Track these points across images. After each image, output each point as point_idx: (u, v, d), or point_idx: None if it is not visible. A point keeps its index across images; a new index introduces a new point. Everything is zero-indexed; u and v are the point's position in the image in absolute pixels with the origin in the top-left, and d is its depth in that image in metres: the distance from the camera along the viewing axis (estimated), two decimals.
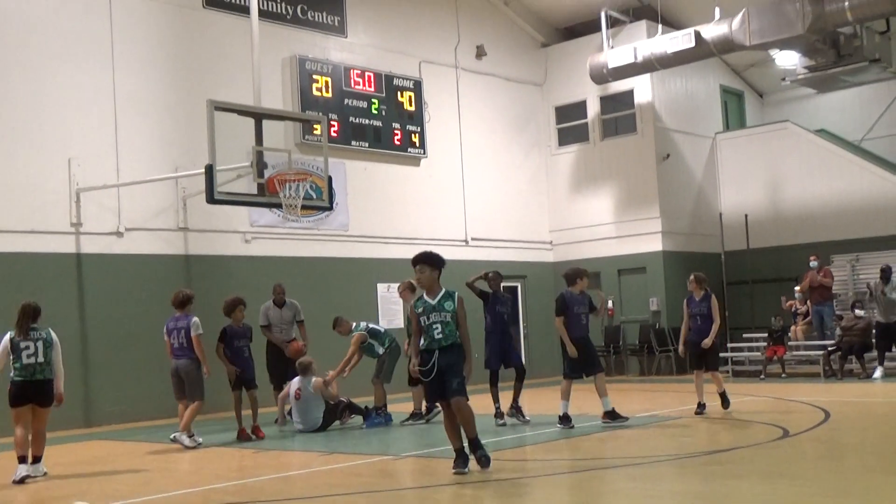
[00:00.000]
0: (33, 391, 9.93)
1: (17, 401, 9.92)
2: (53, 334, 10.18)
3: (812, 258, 20.56)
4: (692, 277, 13.43)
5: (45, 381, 9.99)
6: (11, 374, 9.99)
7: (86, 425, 15.75)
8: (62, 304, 15.52)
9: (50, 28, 16.22)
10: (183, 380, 12.12)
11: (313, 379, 13.38)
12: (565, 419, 12.10)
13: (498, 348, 13.09)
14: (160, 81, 17.60)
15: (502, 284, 13.87)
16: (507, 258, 23.28)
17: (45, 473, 9.99)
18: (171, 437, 12.08)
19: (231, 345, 12.79)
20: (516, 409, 13.00)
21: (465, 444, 8.82)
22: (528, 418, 12.94)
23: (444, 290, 8.87)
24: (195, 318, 12.12)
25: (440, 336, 8.68)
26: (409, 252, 20.59)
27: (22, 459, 9.82)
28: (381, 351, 14.06)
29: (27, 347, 9.93)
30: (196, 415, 12.14)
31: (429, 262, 8.94)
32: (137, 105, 17.19)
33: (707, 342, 13.03)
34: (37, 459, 9.97)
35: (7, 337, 10.06)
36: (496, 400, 12.92)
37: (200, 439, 12.13)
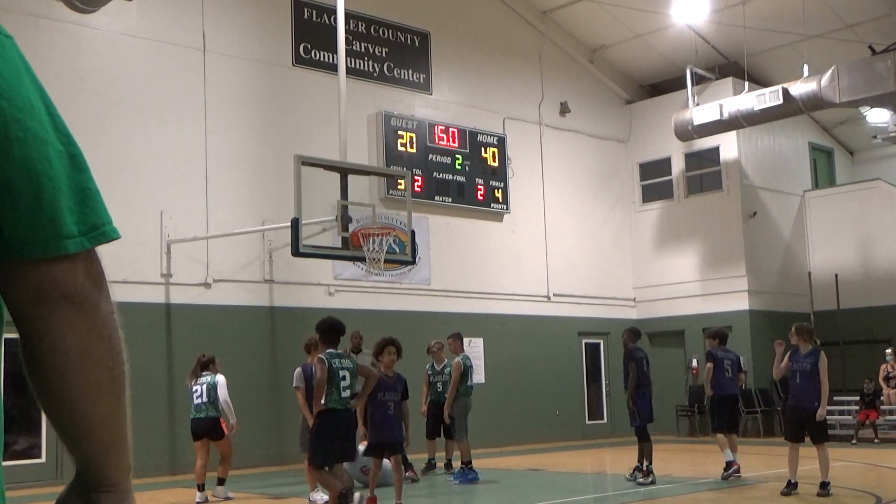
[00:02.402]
0: (203, 428, 11.76)
1: (193, 436, 11.95)
2: (220, 377, 11.88)
3: None
4: (793, 329, 12.01)
5: (208, 418, 11.77)
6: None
7: (170, 472, 15.98)
8: (151, 353, 15.86)
9: (146, 87, 16.80)
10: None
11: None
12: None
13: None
14: (250, 137, 18.06)
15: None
16: (589, 315, 23.11)
17: (229, 497, 11.90)
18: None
19: (374, 398, 9.93)
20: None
21: None
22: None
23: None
24: (297, 370, 11.69)
25: None
26: (491, 307, 20.89)
27: (200, 487, 11.62)
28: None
29: (195, 391, 11.77)
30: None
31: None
32: (227, 160, 17.65)
33: (821, 413, 11.39)
34: (221, 482, 11.98)
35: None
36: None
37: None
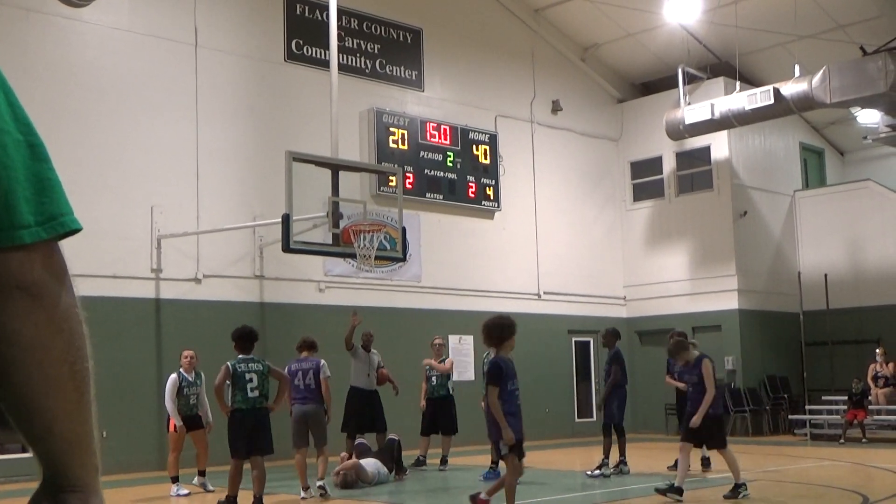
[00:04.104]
0: (190, 423, 12.46)
1: (186, 429, 12.52)
2: (203, 375, 12.66)
3: None
4: (672, 344, 11.92)
5: (194, 415, 12.53)
6: None
7: (160, 468, 15.93)
8: (141, 348, 15.86)
9: (138, 82, 16.76)
10: (309, 426, 11.89)
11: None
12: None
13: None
14: (241, 133, 18.03)
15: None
16: (579, 313, 23.14)
17: (211, 489, 12.37)
18: (318, 484, 11.76)
19: (504, 388, 8.76)
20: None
21: None
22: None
23: None
24: (323, 361, 12.03)
25: None
26: (481, 305, 20.88)
27: (176, 479, 12.26)
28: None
29: (186, 389, 12.53)
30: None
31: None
32: (218, 155, 17.62)
33: (696, 420, 10.93)
34: (203, 473, 12.63)
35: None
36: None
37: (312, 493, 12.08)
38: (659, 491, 10.83)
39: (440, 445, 15.20)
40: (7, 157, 1.26)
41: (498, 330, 8.86)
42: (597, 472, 13.54)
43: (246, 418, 10.22)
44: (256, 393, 10.21)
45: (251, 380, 10.19)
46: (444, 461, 14.99)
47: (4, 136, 1.27)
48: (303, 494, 11.68)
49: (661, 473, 13.28)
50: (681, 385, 13.01)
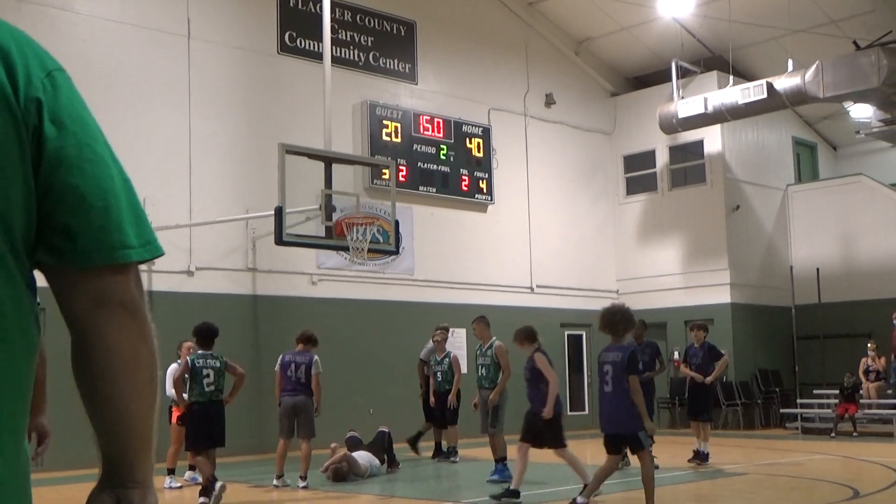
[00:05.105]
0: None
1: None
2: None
3: (895, 316, 20.00)
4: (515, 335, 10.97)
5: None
6: None
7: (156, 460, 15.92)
8: None
9: (130, 73, 16.70)
10: (296, 417, 12.04)
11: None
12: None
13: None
14: (233, 125, 17.98)
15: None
16: (572, 306, 23.16)
17: (197, 482, 12.04)
18: (276, 482, 12.13)
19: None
20: None
21: None
22: None
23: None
24: (317, 357, 12.20)
25: None
26: (474, 298, 20.89)
27: (173, 471, 12.43)
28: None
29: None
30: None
31: None
32: (211, 147, 17.57)
33: (548, 411, 10.12)
34: (192, 468, 12.62)
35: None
36: None
37: (289, 482, 12.17)
38: (494, 497, 10.14)
39: (438, 439, 15.23)
40: (115, 187, 1.51)
41: (624, 322, 8.97)
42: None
43: (203, 411, 10.64)
44: (212, 388, 10.65)
45: (208, 375, 10.61)
46: (453, 452, 15.00)
47: (111, 170, 1.51)
48: (275, 482, 12.10)
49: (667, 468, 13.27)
50: (696, 376, 13.23)
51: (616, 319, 8.96)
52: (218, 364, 10.73)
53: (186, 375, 10.75)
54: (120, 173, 1.53)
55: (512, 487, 10.09)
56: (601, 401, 9.03)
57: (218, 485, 10.37)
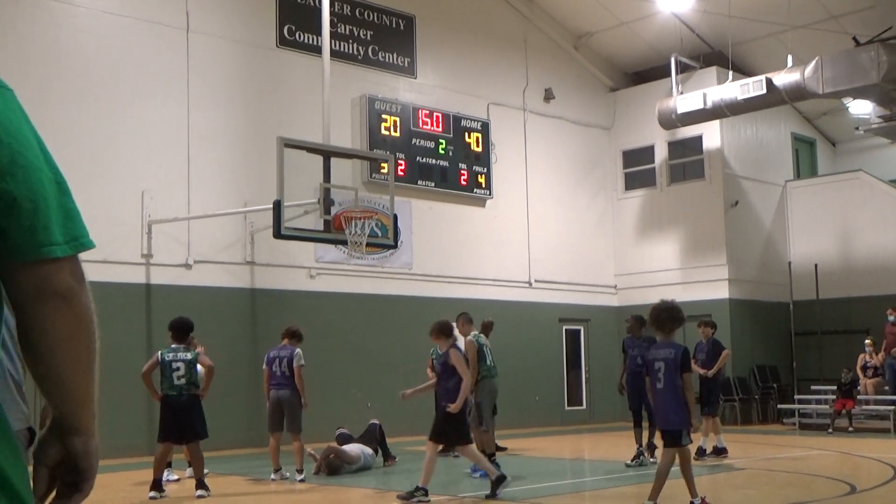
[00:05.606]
0: None
1: None
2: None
3: (890, 312, 20.01)
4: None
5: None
6: None
7: (149, 453, 15.90)
8: (131, 334, 15.80)
9: (129, 66, 16.67)
10: (283, 411, 12.14)
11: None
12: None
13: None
14: (232, 118, 17.96)
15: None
16: (570, 301, 23.17)
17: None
18: (279, 476, 12.16)
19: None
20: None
21: None
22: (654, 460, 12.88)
23: None
24: (299, 350, 12.29)
25: None
26: (472, 292, 20.88)
27: (170, 465, 12.11)
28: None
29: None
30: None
31: None
32: (209, 141, 17.56)
33: (456, 406, 9.99)
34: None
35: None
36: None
37: (287, 474, 12.19)
38: (401, 498, 9.93)
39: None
40: (45, 190, 1.69)
41: (671, 319, 9.04)
42: (633, 461, 13.06)
43: (173, 404, 10.76)
44: (183, 380, 10.77)
45: (178, 368, 10.76)
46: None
47: (42, 175, 1.70)
48: (273, 476, 12.12)
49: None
50: (701, 371, 13.31)
51: (663, 317, 9.06)
52: (189, 357, 10.85)
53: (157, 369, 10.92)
54: (54, 177, 1.71)
55: (421, 485, 9.93)
56: (655, 398, 9.11)
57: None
